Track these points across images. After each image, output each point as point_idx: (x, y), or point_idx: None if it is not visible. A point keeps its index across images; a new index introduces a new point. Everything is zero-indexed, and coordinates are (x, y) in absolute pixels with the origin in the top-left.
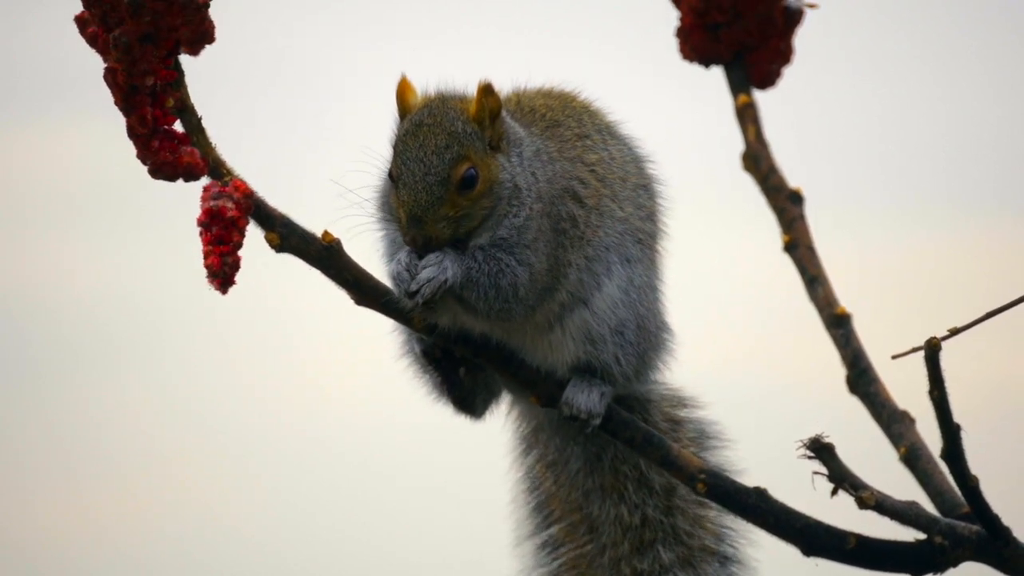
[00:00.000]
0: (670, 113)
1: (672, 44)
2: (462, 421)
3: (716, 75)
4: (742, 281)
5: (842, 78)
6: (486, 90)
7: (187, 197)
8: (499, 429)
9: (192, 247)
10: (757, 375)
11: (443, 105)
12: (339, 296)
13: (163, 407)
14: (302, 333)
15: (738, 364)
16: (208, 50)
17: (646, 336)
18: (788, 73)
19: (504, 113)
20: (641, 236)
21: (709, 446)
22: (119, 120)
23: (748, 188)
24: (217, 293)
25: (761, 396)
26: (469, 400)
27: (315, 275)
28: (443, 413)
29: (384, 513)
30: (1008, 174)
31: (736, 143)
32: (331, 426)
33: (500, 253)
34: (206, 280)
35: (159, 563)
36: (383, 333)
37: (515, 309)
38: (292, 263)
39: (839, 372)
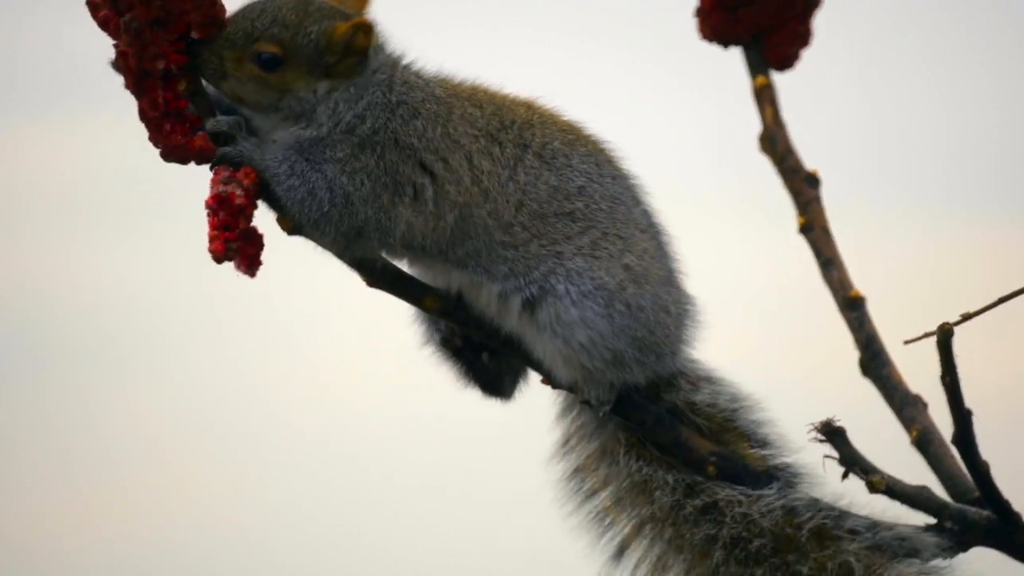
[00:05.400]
0: (686, 96)
1: (690, 25)
2: (478, 416)
3: (734, 56)
4: (756, 263)
5: (859, 66)
6: (362, 27)
7: (189, 197)
8: (514, 421)
9: (196, 248)
10: (769, 358)
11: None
12: (345, 295)
13: (166, 408)
14: (307, 333)
15: (750, 347)
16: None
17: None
18: (806, 56)
19: (375, 53)
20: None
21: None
22: (121, 119)
23: (764, 170)
24: (226, 285)
25: (772, 379)
26: (496, 383)
27: (320, 272)
28: (463, 413)
29: (389, 514)
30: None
31: (752, 126)
32: (336, 428)
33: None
34: (233, 268)
35: (161, 564)
36: (388, 335)
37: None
38: (296, 263)
39: (852, 355)
